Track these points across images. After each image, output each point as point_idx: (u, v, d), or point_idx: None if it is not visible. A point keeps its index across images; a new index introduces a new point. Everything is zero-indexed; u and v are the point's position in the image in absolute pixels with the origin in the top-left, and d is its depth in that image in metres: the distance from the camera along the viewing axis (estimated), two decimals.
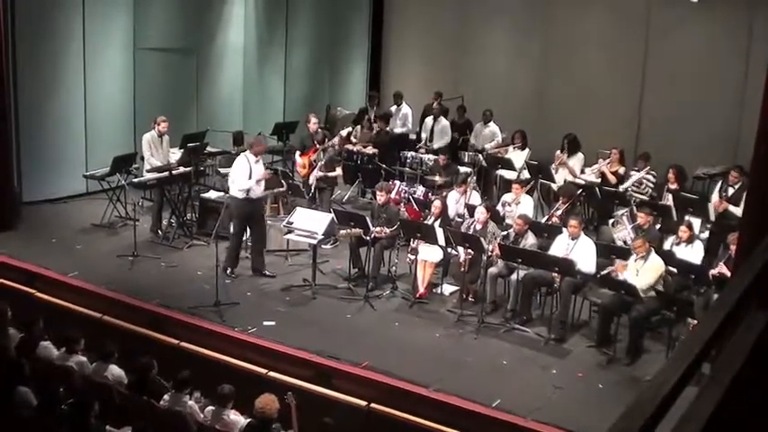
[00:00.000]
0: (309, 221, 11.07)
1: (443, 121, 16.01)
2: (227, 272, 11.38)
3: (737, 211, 11.26)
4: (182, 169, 12.80)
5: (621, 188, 12.80)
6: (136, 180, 12.73)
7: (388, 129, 15.74)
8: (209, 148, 14.30)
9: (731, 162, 12.61)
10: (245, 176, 11.23)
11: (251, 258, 11.63)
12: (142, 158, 12.85)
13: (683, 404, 2.42)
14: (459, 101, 17.14)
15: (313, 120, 13.89)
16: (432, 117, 16.08)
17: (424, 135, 16.06)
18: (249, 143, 12.14)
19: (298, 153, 13.59)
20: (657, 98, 16.28)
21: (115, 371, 8.22)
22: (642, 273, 9.64)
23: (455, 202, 12.30)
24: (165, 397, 7.80)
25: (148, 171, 12.54)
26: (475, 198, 12.42)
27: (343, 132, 14.27)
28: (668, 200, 12.22)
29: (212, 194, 13.04)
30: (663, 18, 16.14)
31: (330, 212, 11.45)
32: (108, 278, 11.11)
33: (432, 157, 14.66)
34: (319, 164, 12.91)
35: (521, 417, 8.29)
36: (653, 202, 12.21)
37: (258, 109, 17.12)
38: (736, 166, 12.02)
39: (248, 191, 11.24)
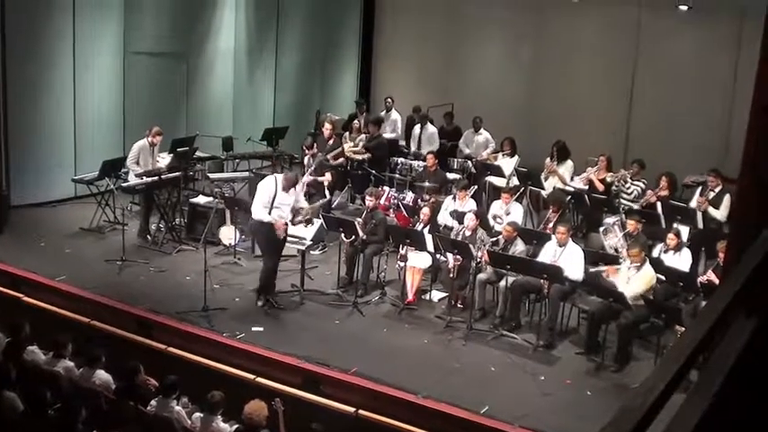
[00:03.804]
0: (298, 227, 11.05)
1: (430, 128, 16.04)
2: (261, 302, 10.78)
3: (717, 213, 11.58)
4: (171, 174, 12.77)
5: (615, 185, 12.87)
6: (125, 184, 12.71)
7: (379, 133, 15.72)
8: (198, 153, 14.29)
9: (721, 170, 12.65)
10: (265, 201, 10.59)
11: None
12: None
13: (670, 411, 2.42)
14: (449, 107, 17.16)
15: (327, 125, 14.04)
16: (419, 125, 16.10)
17: (413, 145, 16.08)
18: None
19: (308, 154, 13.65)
20: (647, 106, 16.36)
21: (102, 376, 8.19)
22: (633, 281, 9.67)
23: (445, 208, 12.29)
24: (153, 402, 7.77)
25: (137, 175, 12.50)
26: (470, 206, 12.34)
27: (346, 146, 14.39)
28: (651, 201, 12.29)
29: (201, 199, 13.02)
30: (653, 26, 16.22)
31: (320, 218, 11.43)
32: (96, 283, 11.08)
33: (420, 163, 14.65)
34: (309, 169, 12.93)
35: (509, 423, 8.28)
36: (644, 210, 12.21)
37: (248, 114, 17.13)
38: (712, 170, 12.12)
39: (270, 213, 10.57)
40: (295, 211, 10.91)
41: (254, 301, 10.89)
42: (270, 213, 10.53)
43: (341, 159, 14.09)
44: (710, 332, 2.64)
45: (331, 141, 13.97)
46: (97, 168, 12.90)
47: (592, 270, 10.26)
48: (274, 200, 10.61)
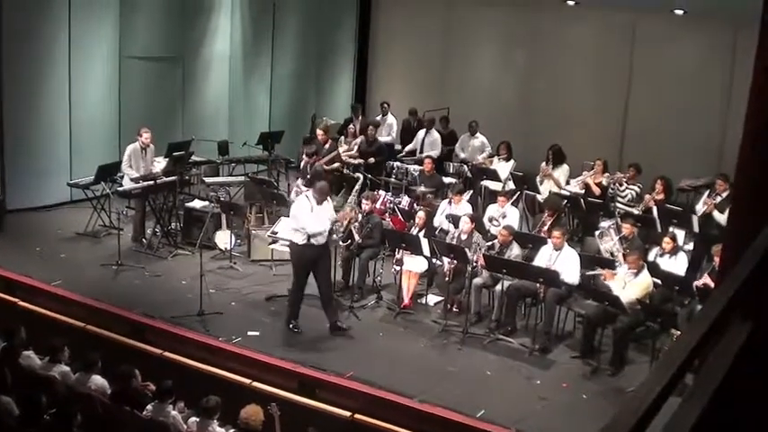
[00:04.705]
0: (294, 231, 11.02)
1: (435, 134, 16.06)
2: (290, 326, 10.29)
3: (721, 218, 11.38)
4: (166, 178, 12.76)
5: (610, 188, 12.89)
6: (120, 189, 12.70)
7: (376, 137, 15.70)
8: (194, 158, 14.28)
9: (715, 174, 12.66)
10: (309, 218, 10.03)
11: (325, 312, 10.39)
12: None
13: (666, 415, 2.43)
14: (445, 112, 17.18)
15: (319, 132, 14.01)
16: (424, 130, 16.12)
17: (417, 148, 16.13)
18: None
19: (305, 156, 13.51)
20: (642, 110, 16.39)
21: (98, 381, 8.16)
22: (630, 286, 9.67)
23: (441, 212, 12.29)
24: (149, 407, 7.76)
25: (133, 180, 12.49)
26: (466, 209, 12.27)
27: (341, 150, 14.35)
28: (649, 206, 12.29)
29: (197, 204, 13.02)
30: (649, 31, 16.25)
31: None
32: (91, 287, 11.06)
33: (417, 167, 14.65)
34: (301, 179, 12.90)
35: (505, 427, 8.29)
36: (639, 215, 12.21)
37: (244, 118, 17.13)
38: (721, 174, 12.10)
39: (311, 236, 9.99)
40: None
41: (252, 307, 10.92)
42: (310, 239, 9.99)
43: (336, 164, 14.06)
44: (706, 336, 2.65)
45: (326, 146, 13.96)
46: (93, 173, 12.88)
47: (589, 273, 10.30)
48: (313, 222, 10.03)
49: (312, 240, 10.04)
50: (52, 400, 7.56)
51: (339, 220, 10.57)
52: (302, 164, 13.47)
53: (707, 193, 12.30)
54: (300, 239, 10.07)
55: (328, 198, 10.46)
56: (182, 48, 15.88)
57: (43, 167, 13.83)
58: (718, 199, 11.76)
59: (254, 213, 13.29)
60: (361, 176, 13.05)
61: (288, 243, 10.54)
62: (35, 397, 7.37)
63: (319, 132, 14.17)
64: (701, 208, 11.96)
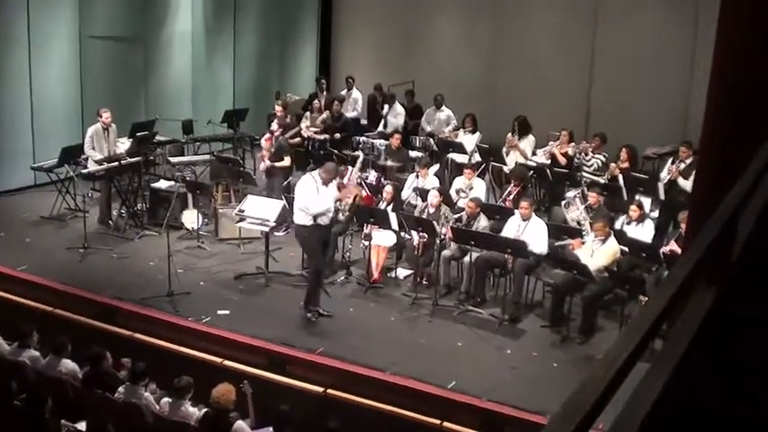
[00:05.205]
0: (261, 209, 11.00)
1: (398, 107, 16.04)
2: (309, 314, 10.03)
3: (687, 184, 11.44)
4: (131, 159, 12.65)
5: (576, 158, 12.95)
6: (85, 171, 12.57)
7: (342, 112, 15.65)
8: (158, 137, 14.17)
9: (679, 142, 12.77)
10: (315, 198, 9.87)
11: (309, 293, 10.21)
12: None
13: (635, 379, 2.46)
14: (410, 85, 17.16)
15: (277, 108, 13.96)
16: (387, 105, 16.09)
17: (381, 125, 16.10)
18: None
19: (264, 138, 13.39)
20: (606, 81, 16.48)
21: (68, 365, 8.12)
22: (597, 254, 9.74)
23: (408, 186, 12.31)
24: (120, 389, 7.73)
25: (97, 161, 12.37)
26: (433, 183, 12.30)
27: (303, 126, 14.28)
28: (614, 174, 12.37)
29: (163, 184, 12.92)
30: (612, 4, 16.31)
31: (282, 199, 11.36)
32: (58, 271, 10.97)
33: (383, 142, 14.64)
34: (267, 153, 12.84)
35: (477, 397, 8.35)
36: (605, 183, 12.29)
37: (208, 97, 17.02)
38: (685, 141, 12.22)
39: (316, 216, 9.88)
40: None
41: (221, 286, 10.89)
42: (316, 220, 9.89)
43: (297, 139, 14.00)
44: (672, 301, 2.68)
45: (287, 121, 13.88)
46: (56, 156, 12.75)
47: (557, 244, 10.36)
48: (318, 202, 9.90)
49: (318, 221, 9.95)
50: (22, 386, 7.52)
51: (341, 198, 10.43)
52: (262, 141, 13.30)
53: (671, 160, 12.41)
54: (308, 221, 9.95)
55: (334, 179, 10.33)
56: (143, 27, 15.71)
57: (6, 151, 13.68)
58: (682, 166, 11.87)
59: (220, 192, 13.24)
60: (362, 154, 12.98)
61: (296, 226, 10.29)
62: (5, 383, 7.32)
63: (278, 108, 14.07)
64: (665, 175, 12.07)
